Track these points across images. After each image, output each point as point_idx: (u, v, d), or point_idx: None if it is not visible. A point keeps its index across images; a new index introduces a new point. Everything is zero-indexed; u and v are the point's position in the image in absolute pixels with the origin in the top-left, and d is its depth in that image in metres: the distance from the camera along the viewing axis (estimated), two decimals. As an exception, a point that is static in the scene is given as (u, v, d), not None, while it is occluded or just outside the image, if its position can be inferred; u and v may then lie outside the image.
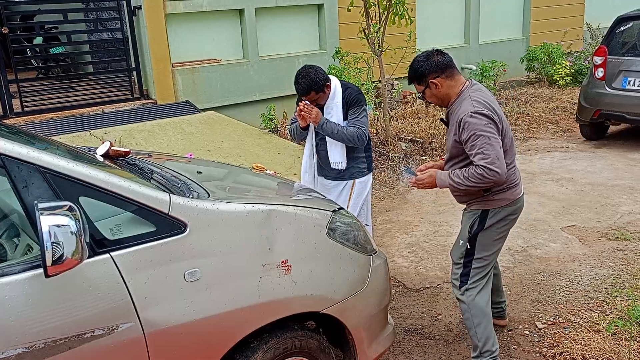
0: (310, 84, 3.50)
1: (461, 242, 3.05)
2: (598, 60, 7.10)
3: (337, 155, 3.70)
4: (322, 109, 3.65)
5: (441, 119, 3.11)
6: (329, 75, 3.66)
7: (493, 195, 2.92)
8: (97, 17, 7.58)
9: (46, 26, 8.00)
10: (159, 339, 1.98)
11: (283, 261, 2.28)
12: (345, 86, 3.71)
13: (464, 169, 2.82)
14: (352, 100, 3.64)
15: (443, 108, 3.07)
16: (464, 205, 3.11)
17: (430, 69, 2.88)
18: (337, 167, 3.71)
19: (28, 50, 8.19)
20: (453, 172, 2.86)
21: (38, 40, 8.03)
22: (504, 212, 2.95)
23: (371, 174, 3.88)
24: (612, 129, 7.80)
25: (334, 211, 2.60)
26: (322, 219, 2.49)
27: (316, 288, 2.39)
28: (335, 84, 3.66)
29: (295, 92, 3.66)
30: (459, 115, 2.79)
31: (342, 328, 2.55)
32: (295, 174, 5.94)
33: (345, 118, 3.66)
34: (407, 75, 3.13)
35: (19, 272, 1.77)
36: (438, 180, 2.93)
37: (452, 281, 3.14)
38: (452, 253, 3.16)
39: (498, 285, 3.41)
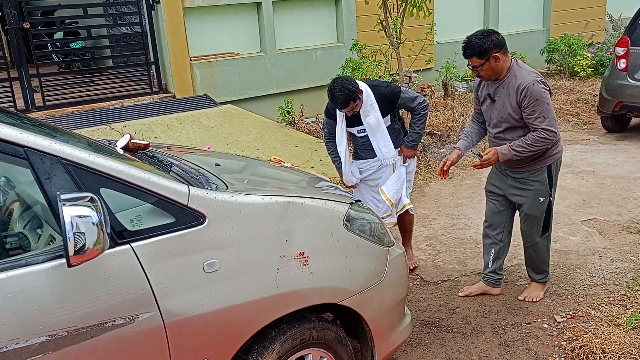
0: (349, 94, 3.58)
1: (542, 199, 3.48)
2: (620, 51, 6.98)
3: (386, 151, 3.92)
4: (358, 115, 3.79)
5: (488, 94, 3.44)
6: (356, 81, 3.75)
7: (552, 151, 3.42)
8: (117, 12, 7.65)
9: (66, 21, 8.10)
10: (178, 328, 2.01)
11: (301, 253, 2.29)
12: (370, 84, 3.82)
13: (523, 137, 3.29)
14: (388, 94, 3.78)
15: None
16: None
17: (494, 45, 3.26)
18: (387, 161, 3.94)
19: (49, 45, 8.30)
20: (513, 144, 3.29)
21: (59, 35, 8.14)
22: (559, 162, 3.52)
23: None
24: (635, 121, 7.68)
25: (351, 203, 2.61)
26: (339, 211, 2.50)
27: (333, 280, 2.40)
28: (365, 88, 3.76)
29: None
30: (521, 83, 3.23)
31: (360, 320, 2.56)
32: (312, 167, 5.95)
33: (384, 115, 3.80)
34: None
35: (42, 262, 1.80)
36: (500, 155, 3.33)
37: (529, 233, 3.60)
38: (529, 213, 3.52)
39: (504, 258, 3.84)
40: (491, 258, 3.77)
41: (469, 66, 3.37)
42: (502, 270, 3.80)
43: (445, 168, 3.51)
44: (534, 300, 3.71)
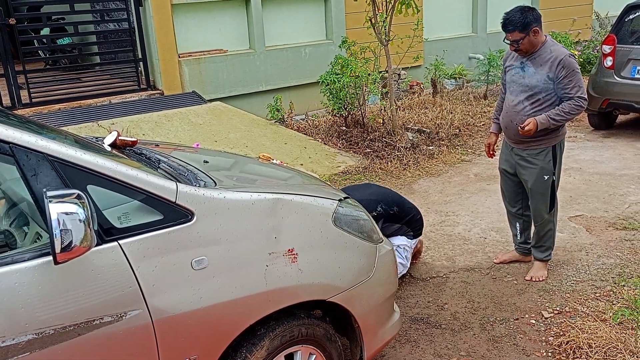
0: None
1: (546, 177, 3.70)
2: (607, 49, 7.04)
3: None
4: None
5: (520, 62, 3.64)
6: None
7: (558, 132, 3.66)
8: (104, 8, 7.59)
9: (53, 17, 8.02)
10: (166, 326, 2.00)
11: (289, 249, 2.29)
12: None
13: (559, 107, 3.51)
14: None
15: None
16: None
17: (534, 19, 3.47)
18: None
19: (35, 41, 8.22)
20: (550, 113, 3.51)
21: (45, 31, 8.05)
22: (564, 143, 3.77)
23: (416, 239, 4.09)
24: (621, 118, 7.75)
25: (340, 200, 2.61)
26: (328, 208, 2.50)
27: (322, 276, 2.40)
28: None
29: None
30: (557, 56, 3.47)
31: (349, 316, 2.56)
32: (301, 164, 5.95)
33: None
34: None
35: (29, 259, 1.78)
36: (539, 124, 3.52)
37: (538, 210, 3.80)
38: (534, 189, 3.74)
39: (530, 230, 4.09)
40: (518, 231, 4.07)
41: (507, 40, 3.56)
42: (530, 240, 4.04)
43: (491, 152, 4.02)
44: (541, 279, 3.88)
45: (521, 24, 3.45)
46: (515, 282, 3.91)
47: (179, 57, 7.28)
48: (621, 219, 4.76)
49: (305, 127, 7.42)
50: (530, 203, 3.85)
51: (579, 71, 3.52)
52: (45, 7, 7.74)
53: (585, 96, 3.52)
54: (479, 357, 3.19)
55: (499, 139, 4.04)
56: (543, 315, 3.52)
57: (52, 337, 1.78)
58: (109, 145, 2.58)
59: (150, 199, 2.00)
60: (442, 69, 8.68)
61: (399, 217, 3.94)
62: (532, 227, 3.99)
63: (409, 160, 6.36)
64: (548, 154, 3.67)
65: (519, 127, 3.55)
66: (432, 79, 8.79)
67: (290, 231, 2.32)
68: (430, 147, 6.77)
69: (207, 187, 2.22)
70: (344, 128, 7.23)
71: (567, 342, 3.21)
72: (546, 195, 3.75)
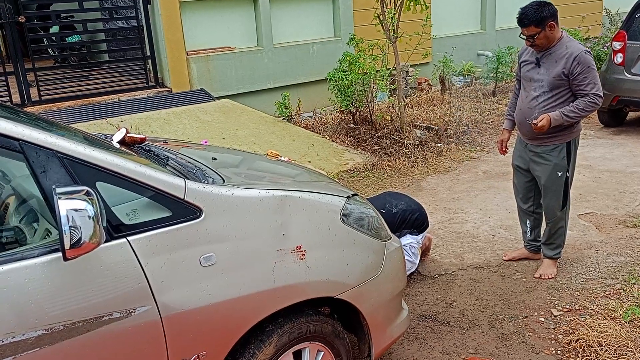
0: None
1: (560, 173, 3.67)
2: (617, 45, 6.98)
3: None
4: None
5: (536, 58, 3.61)
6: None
7: (573, 128, 3.62)
8: (112, 6, 7.61)
9: (62, 15, 8.05)
10: (175, 322, 2.00)
11: (297, 246, 2.29)
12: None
13: (573, 103, 3.48)
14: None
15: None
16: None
17: (550, 13, 3.45)
18: None
19: (45, 39, 8.26)
20: (564, 109, 3.49)
21: (54, 29, 8.09)
22: (578, 140, 3.72)
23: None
24: (631, 115, 7.69)
25: (348, 197, 2.60)
26: (336, 205, 2.50)
27: (330, 273, 2.40)
28: None
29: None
30: (573, 52, 3.44)
31: (357, 313, 2.56)
32: (309, 162, 5.94)
33: None
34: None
35: (38, 255, 1.78)
36: (553, 121, 3.49)
37: (550, 207, 3.78)
38: (548, 186, 3.72)
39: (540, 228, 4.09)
40: (528, 228, 4.05)
41: (522, 36, 3.53)
42: (540, 238, 4.04)
43: (504, 149, 3.98)
44: (550, 277, 3.86)
45: (537, 19, 3.43)
46: (524, 279, 3.90)
47: (187, 54, 7.29)
48: (631, 217, 4.72)
49: (313, 124, 7.42)
50: (543, 200, 3.82)
51: (595, 68, 3.48)
52: (54, 5, 7.77)
53: (601, 93, 3.48)
54: (488, 354, 3.18)
55: (512, 135, 4.01)
56: (552, 313, 3.50)
57: (62, 332, 1.79)
58: (117, 142, 2.59)
59: (159, 196, 2.00)
60: (451, 66, 8.65)
61: (394, 225, 3.90)
62: (543, 225, 3.97)
63: (417, 158, 6.34)
64: (562, 150, 3.64)
65: (532, 123, 3.53)
66: (440, 76, 8.75)
67: (299, 228, 2.32)
68: (439, 145, 6.75)
69: (216, 184, 2.22)
70: (352, 125, 7.22)
71: (577, 340, 3.19)
72: (559, 192, 3.72)
